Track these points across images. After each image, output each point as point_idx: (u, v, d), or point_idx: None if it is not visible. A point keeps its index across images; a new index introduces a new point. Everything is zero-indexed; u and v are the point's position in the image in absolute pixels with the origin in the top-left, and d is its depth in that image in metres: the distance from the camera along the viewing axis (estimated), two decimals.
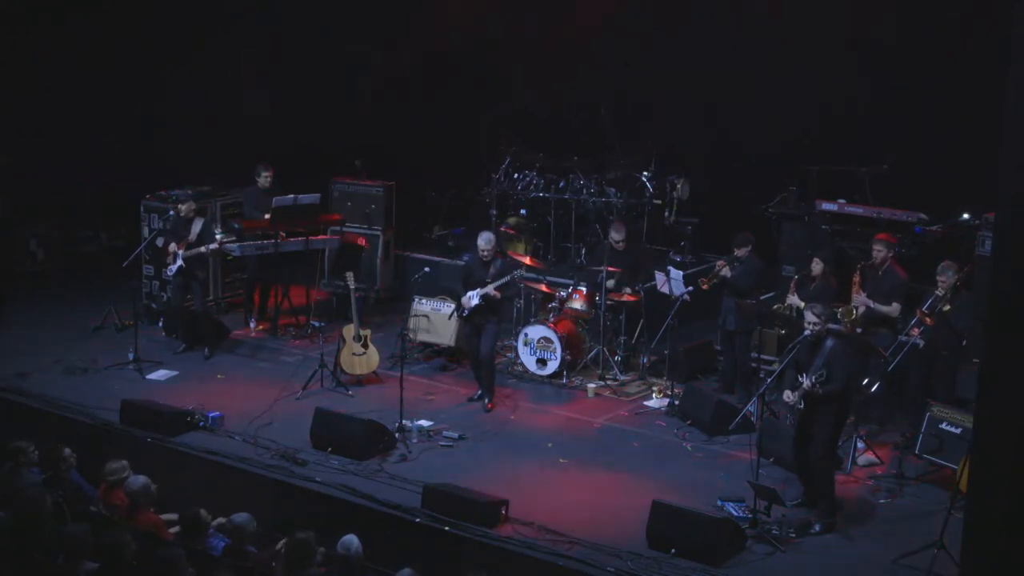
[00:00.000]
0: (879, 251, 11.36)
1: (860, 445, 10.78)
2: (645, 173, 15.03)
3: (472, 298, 11.83)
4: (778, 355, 12.20)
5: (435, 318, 13.19)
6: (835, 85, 13.85)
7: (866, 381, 10.82)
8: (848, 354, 9.71)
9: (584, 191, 14.86)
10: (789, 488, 10.10)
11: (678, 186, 15.09)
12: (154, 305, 14.52)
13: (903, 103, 13.61)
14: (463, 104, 16.18)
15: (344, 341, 12.56)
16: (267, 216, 13.87)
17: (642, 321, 13.20)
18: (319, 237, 14.45)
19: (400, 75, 16.11)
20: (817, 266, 11.68)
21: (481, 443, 11.33)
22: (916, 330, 10.82)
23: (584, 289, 13.07)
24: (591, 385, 12.57)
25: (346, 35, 16.39)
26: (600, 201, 14.82)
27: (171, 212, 13.84)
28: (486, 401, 12.06)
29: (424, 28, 15.82)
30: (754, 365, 11.88)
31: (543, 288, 13.45)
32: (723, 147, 14.90)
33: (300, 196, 13.95)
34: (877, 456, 10.79)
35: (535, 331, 12.81)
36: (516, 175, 15.36)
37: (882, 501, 10.19)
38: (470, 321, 12.03)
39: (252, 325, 14.36)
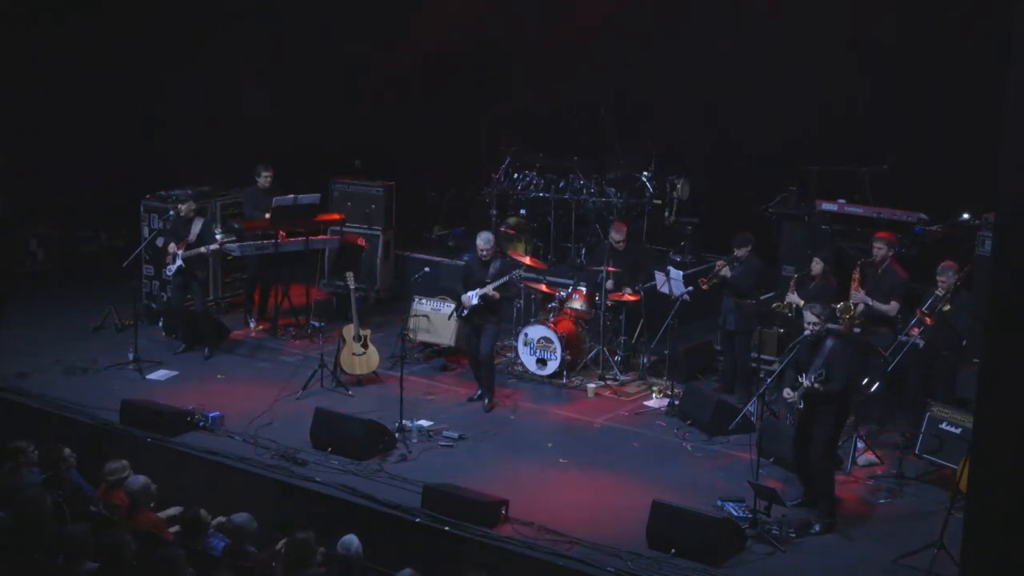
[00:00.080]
0: (879, 249, 11.35)
1: (860, 445, 10.78)
2: (645, 173, 15.03)
3: (472, 298, 11.83)
4: (778, 355, 12.20)
5: (435, 318, 13.19)
6: (835, 85, 13.85)
7: (866, 381, 10.81)
8: (848, 354, 9.71)
9: (584, 191, 14.86)
10: (789, 488, 10.11)
11: (678, 186, 15.09)
12: (154, 305, 14.52)
13: (903, 103, 13.61)
14: (463, 104, 16.18)
15: (344, 341, 12.56)
16: (267, 216, 13.87)
17: (642, 321, 13.20)
18: (319, 237, 14.45)
19: (400, 75, 16.11)
20: (817, 266, 11.68)
21: (481, 443, 11.32)
22: (916, 330, 10.82)
23: (584, 289, 13.07)
24: (591, 385, 12.57)
25: (346, 35, 16.39)
26: (600, 201, 14.82)
27: (171, 212, 13.84)
28: (486, 401, 12.06)
29: (424, 28, 15.82)
30: (754, 365, 11.88)
31: (543, 288, 13.46)
32: (723, 147, 14.90)
33: (300, 196, 13.95)
34: (877, 456, 10.79)
35: (535, 331, 12.81)
36: (516, 175, 15.36)
37: (882, 501, 10.19)
38: (470, 321, 12.03)
39: (252, 325, 14.36)
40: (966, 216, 12.59)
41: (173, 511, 9.34)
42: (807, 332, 9.62)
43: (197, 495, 9.69)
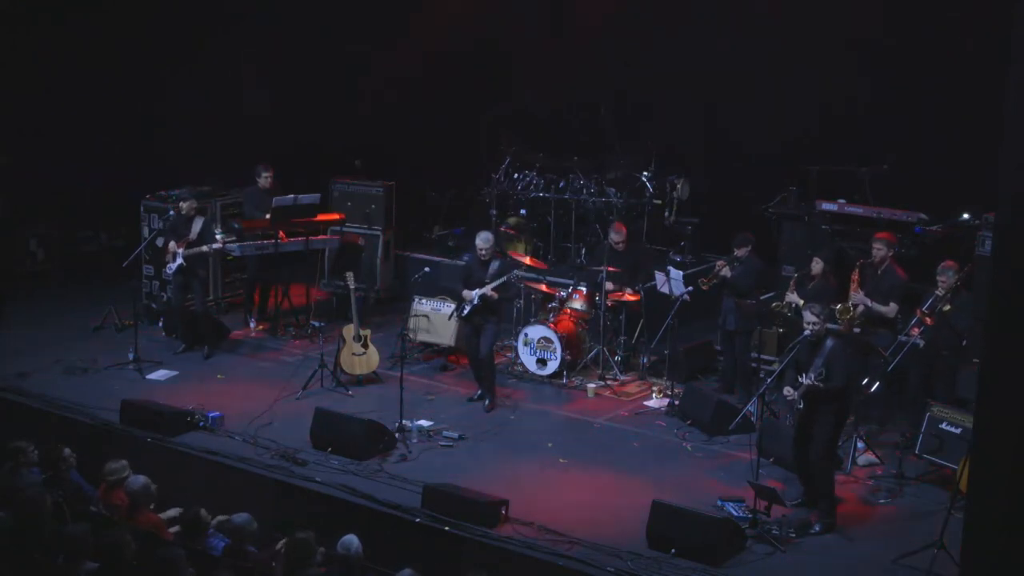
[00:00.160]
0: (879, 250, 11.35)
1: (860, 445, 10.78)
2: (645, 173, 15.03)
3: (472, 296, 11.82)
4: (778, 355, 12.20)
5: (435, 318, 13.19)
6: (835, 85, 13.85)
7: (866, 381, 10.81)
8: (848, 354, 9.71)
9: (584, 191, 14.86)
10: (789, 488, 10.11)
11: (678, 186, 15.08)
12: (154, 305, 14.53)
13: (903, 103, 13.61)
14: (463, 104, 16.18)
15: (344, 341, 12.56)
16: (267, 216, 13.87)
17: (642, 321, 13.20)
18: (319, 237, 14.45)
19: (400, 75, 16.11)
20: (817, 266, 11.67)
21: (481, 443, 11.32)
22: (916, 330, 10.82)
23: (584, 289, 13.07)
24: (591, 385, 12.57)
25: (346, 35, 16.39)
26: (600, 201, 14.82)
27: (171, 212, 13.84)
28: (487, 402, 12.05)
29: (424, 28, 15.82)
30: (754, 365, 11.88)
31: (543, 288, 13.46)
32: (723, 147, 14.90)
33: (300, 196, 13.95)
34: (877, 456, 10.79)
35: (535, 331, 12.81)
36: (516, 175, 15.35)
37: (882, 501, 10.19)
38: (470, 321, 12.03)
39: (252, 325, 14.36)
40: (966, 216, 12.58)
41: (173, 512, 9.34)
42: (807, 332, 9.62)
43: (197, 495, 9.69)
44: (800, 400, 9.54)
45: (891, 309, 11.18)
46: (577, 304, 13.05)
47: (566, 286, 13.34)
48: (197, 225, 13.32)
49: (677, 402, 12.01)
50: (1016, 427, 6.30)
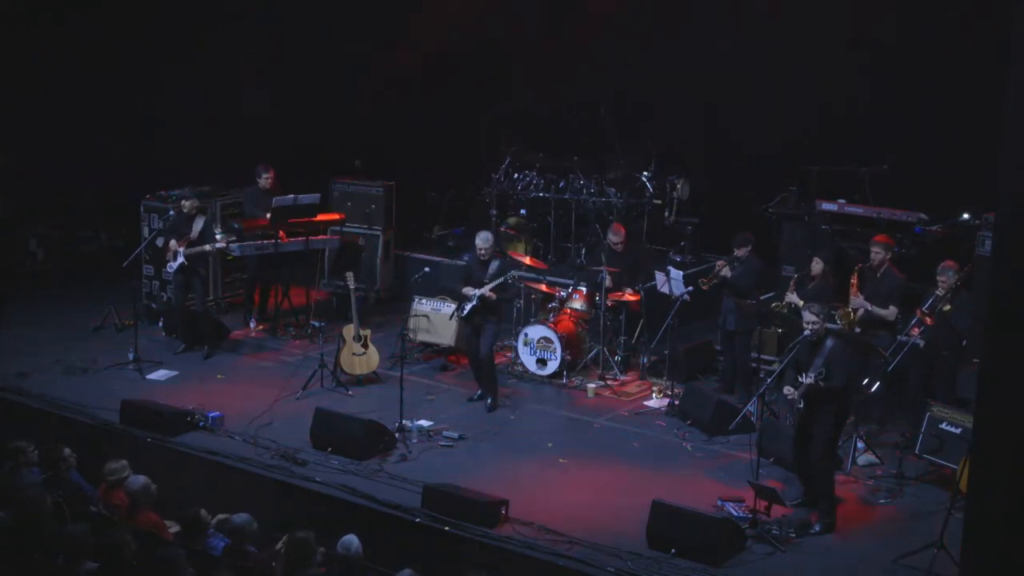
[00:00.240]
0: (877, 253, 11.34)
1: (860, 445, 10.78)
2: (645, 173, 15.03)
3: (472, 295, 11.82)
4: (778, 355, 12.20)
5: (435, 318, 13.19)
6: (835, 85, 13.85)
7: (866, 381, 10.81)
8: (848, 353, 9.71)
9: (584, 191, 14.86)
10: (789, 488, 10.10)
11: (678, 186, 15.08)
12: (154, 305, 14.52)
13: (903, 103, 13.61)
14: (463, 104, 16.19)
15: (344, 341, 12.55)
16: (267, 216, 13.87)
17: (642, 321, 13.20)
18: (319, 237, 14.45)
19: (400, 75, 16.11)
20: (817, 266, 11.67)
21: (481, 443, 11.32)
22: (916, 330, 10.82)
23: (584, 289, 13.07)
24: (591, 385, 12.57)
25: (346, 35, 16.39)
26: (600, 201, 14.82)
27: (171, 212, 13.84)
28: (488, 401, 12.04)
29: (424, 28, 15.82)
30: (754, 365, 11.87)
31: (543, 288, 13.46)
32: (723, 147, 14.90)
33: (300, 196, 13.95)
34: (877, 456, 10.79)
35: (535, 331, 12.81)
36: (516, 175, 15.36)
37: (882, 501, 10.19)
38: (470, 321, 12.02)
39: (252, 325, 14.36)
40: (966, 216, 12.59)
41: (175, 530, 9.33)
42: (807, 332, 9.61)
43: (197, 495, 9.69)
44: (800, 400, 9.54)
45: (891, 312, 11.17)
46: (577, 304, 13.06)
47: (566, 286, 13.33)
48: (199, 224, 13.31)
49: (677, 402, 12.01)
50: (1016, 427, 6.30)
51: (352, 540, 8.21)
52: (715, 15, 14.52)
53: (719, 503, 9.93)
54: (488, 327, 11.88)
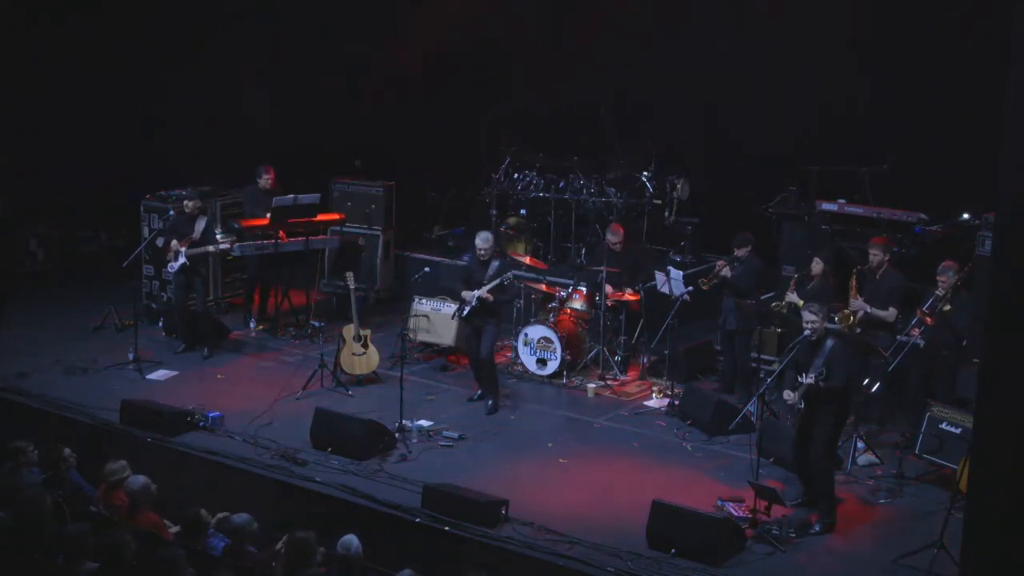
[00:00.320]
0: (875, 255, 11.34)
1: (860, 445, 10.78)
2: (645, 173, 15.03)
3: (471, 297, 11.82)
4: (778, 355, 12.20)
5: (435, 318, 13.19)
6: (835, 85, 13.85)
7: (866, 381, 10.81)
8: (848, 353, 9.71)
9: (584, 191, 14.86)
10: (789, 488, 10.10)
11: (678, 186, 15.08)
12: (154, 305, 14.52)
13: (903, 103, 13.61)
14: (463, 104, 16.19)
15: (344, 341, 12.55)
16: (267, 216, 13.86)
17: (642, 321, 13.20)
18: (319, 237, 14.45)
19: (400, 75, 16.10)
20: (817, 266, 11.67)
21: (481, 443, 11.32)
22: (916, 330, 10.82)
23: (584, 289, 13.07)
24: (591, 385, 12.57)
25: (346, 35, 16.39)
26: (600, 201, 14.82)
27: (171, 212, 13.84)
28: (489, 402, 12.03)
29: (424, 28, 15.82)
30: (754, 365, 11.87)
31: (543, 288, 13.46)
32: (723, 147, 14.90)
33: (300, 196, 13.95)
34: (877, 456, 10.79)
35: (535, 331, 12.81)
36: (516, 175, 15.36)
37: (882, 501, 10.19)
38: (470, 322, 12.02)
39: (252, 325, 14.36)
40: (966, 216, 12.58)
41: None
42: (807, 332, 9.61)
43: (197, 495, 9.69)
44: (800, 401, 9.54)
45: (891, 314, 11.17)
46: (577, 304, 13.06)
47: (566, 286, 13.33)
48: (200, 224, 13.30)
49: (677, 402, 12.01)
50: (1016, 427, 6.30)
51: (352, 540, 8.21)
52: (715, 15, 14.51)
53: (719, 503, 9.92)
54: (488, 328, 11.87)
